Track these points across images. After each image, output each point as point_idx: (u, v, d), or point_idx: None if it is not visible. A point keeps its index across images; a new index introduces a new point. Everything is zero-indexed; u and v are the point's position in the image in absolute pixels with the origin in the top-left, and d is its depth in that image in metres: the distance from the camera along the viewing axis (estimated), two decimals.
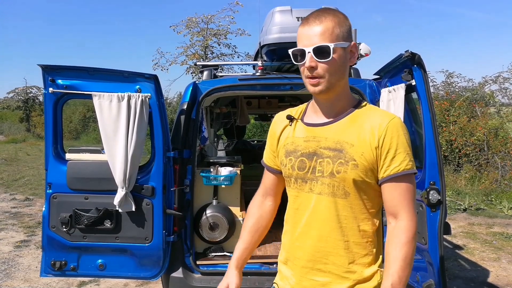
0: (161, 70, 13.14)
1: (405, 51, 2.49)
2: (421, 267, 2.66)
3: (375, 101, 3.17)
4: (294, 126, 1.53)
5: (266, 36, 3.32)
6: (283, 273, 1.55)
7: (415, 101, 2.87)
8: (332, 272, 1.42)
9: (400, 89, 2.66)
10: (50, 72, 2.78)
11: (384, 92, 2.90)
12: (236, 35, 12.92)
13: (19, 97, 31.54)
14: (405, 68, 2.60)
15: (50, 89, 2.78)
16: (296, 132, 1.51)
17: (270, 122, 12.90)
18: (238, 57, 13.13)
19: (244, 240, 1.65)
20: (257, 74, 3.23)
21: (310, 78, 1.39)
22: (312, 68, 1.37)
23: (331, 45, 1.35)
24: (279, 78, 3.21)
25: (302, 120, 1.52)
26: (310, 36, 1.37)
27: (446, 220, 2.51)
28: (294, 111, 1.57)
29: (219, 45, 13.03)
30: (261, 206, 1.68)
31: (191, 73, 12.80)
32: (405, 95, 2.67)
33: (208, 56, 12.62)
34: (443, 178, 2.47)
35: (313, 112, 1.51)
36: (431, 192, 2.45)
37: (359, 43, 3.63)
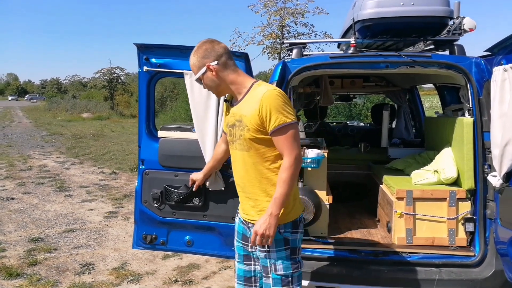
0: (238, 50, 13.21)
1: None
2: None
3: (482, 81, 2.84)
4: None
5: (360, 11, 3.10)
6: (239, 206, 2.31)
7: None
8: (249, 197, 2.17)
9: None
10: (145, 50, 2.83)
11: (497, 71, 2.58)
12: (313, 14, 12.58)
13: (105, 77, 33.68)
14: None
15: (145, 68, 2.84)
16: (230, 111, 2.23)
17: (351, 103, 12.36)
18: (315, 36, 12.79)
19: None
20: (349, 51, 3.04)
21: None
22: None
23: (196, 76, 2.14)
24: (374, 56, 2.99)
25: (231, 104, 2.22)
26: None
27: None
28: (229, 96, 2.24)
29: (296, 24, 12.78)
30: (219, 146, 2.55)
31: (268, 53, 12.73)
32: None
33: (284, 35, 12.44)
34: None
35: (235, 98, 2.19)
36: None
37: (463, 17, 3.28)
